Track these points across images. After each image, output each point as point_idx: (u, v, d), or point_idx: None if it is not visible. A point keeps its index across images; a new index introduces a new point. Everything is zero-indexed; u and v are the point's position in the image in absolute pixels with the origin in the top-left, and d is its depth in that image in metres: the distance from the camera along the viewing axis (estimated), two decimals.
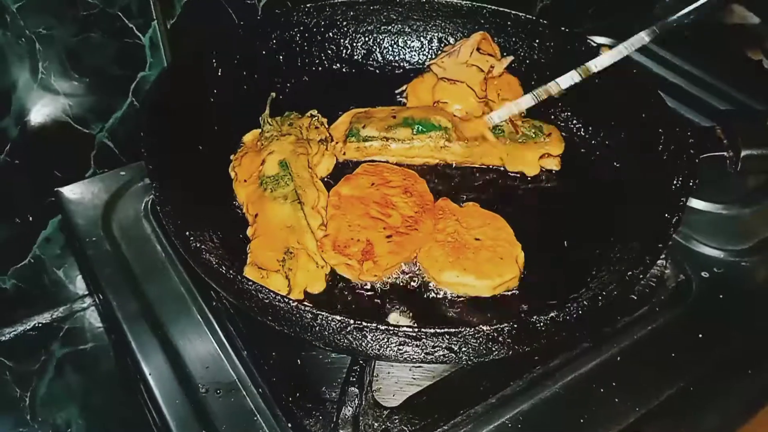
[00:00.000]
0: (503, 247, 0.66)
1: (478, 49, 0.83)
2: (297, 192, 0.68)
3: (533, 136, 0.79)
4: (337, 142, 0.78)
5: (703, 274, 0.75)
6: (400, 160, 0.78)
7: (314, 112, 0.79)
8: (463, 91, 0.81)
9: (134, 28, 0.81)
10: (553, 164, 0.78)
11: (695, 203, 0.83)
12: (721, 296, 0.73)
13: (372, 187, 0.71)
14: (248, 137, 0.77)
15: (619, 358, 0.66)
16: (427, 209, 0.70)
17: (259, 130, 0.77)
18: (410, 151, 0.77)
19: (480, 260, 0.64)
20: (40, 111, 0.80)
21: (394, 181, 0.72)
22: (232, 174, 0.73)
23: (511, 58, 0.84)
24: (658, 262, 0.72)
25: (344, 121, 0.81)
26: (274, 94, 0.79)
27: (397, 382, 0.62)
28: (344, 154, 0.78)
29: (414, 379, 0.62)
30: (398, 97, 0.87)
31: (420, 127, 0.77)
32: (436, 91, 0.82)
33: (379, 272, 0.63)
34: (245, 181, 0.71)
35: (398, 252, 0.64)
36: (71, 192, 0.83)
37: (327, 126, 0.79)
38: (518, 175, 0.78)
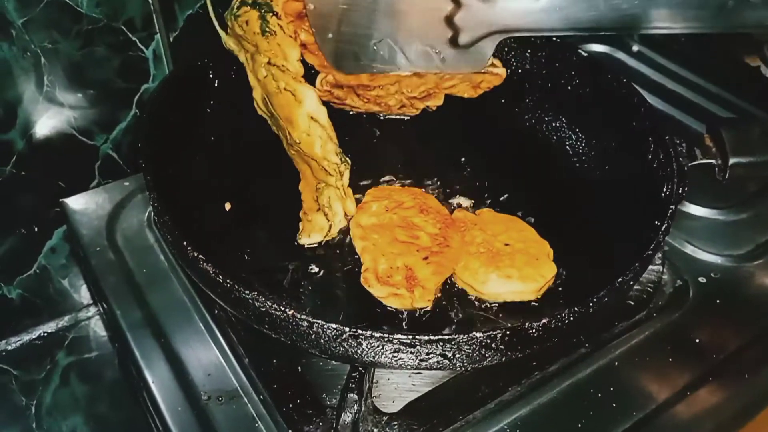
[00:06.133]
0: (534, 248, 0.66)
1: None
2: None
3: None
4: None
5: (700, 279, 0.75)
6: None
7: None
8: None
9: (137, 41, 0.82)
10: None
11: (692, 209, 0.83)
12: (718, 301, 0.73)
13: (388, 212, 0.70)
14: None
15: (616, 364, 0.66)
16: (448, 224, 0.69)
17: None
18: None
19: (519, 264, 0.64)
20: (46, 123, 0.81)
21: (406, 202, 0.72)
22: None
23: None
24: (656, 267, 0.73)
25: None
26: None
27: (397, 388, 0.63)
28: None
29: (413, 385, 0.63)
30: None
31: None
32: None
33: (431, 296, 0.63)
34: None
35: (441, 272, 0.64)
36: (76, 203, 0.84)
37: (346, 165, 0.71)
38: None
